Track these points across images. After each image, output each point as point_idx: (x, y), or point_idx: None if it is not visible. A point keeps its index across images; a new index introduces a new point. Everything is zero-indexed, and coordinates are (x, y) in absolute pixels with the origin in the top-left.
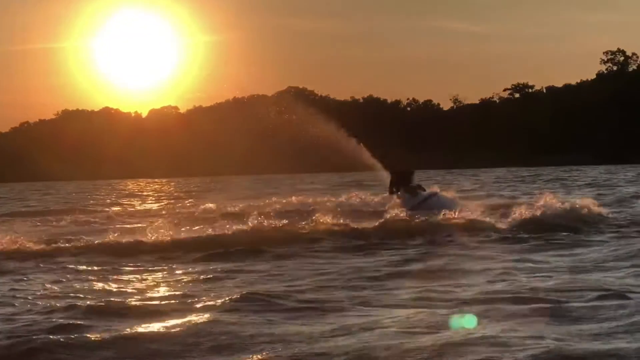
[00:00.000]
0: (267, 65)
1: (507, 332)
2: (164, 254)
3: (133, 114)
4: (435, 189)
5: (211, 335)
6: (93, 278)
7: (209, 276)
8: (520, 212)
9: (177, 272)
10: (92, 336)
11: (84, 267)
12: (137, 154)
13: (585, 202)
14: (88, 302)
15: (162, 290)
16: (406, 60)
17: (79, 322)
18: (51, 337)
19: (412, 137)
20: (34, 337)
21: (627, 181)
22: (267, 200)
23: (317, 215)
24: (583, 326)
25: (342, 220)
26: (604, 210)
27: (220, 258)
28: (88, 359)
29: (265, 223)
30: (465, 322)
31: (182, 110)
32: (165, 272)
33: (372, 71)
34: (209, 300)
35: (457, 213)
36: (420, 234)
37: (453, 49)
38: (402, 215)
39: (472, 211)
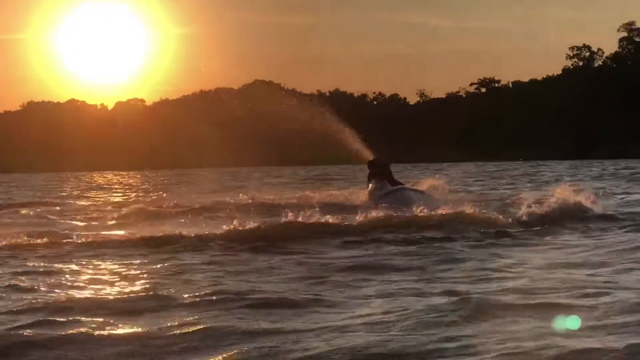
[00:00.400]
0: (234, 59)
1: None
2: (134, 249)
3: (99, 106)
4: (431, 183)
5: (184, 335)
6: (58, 274)
7: (181, 272)
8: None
9: (147, 267)
10: (56, 335)
11: (46, 263)
12: (104, 146)
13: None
14: (50, 300)
15: (130, 287)
16: (373, 54)
17: (41, 320)
18: (12, 334)
19: (379, 131)
20: None
21: (593, 177)
22: (241, 195)
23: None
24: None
25: (325, 215)
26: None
27: (192, 253)
28: None
29: (239, 217)
30: (570, 323)
31: (149, 102)
32: (133, 267)
33: (338, 65)
34: (181, 298)
35: (435, 209)
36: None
37: (420, 43)
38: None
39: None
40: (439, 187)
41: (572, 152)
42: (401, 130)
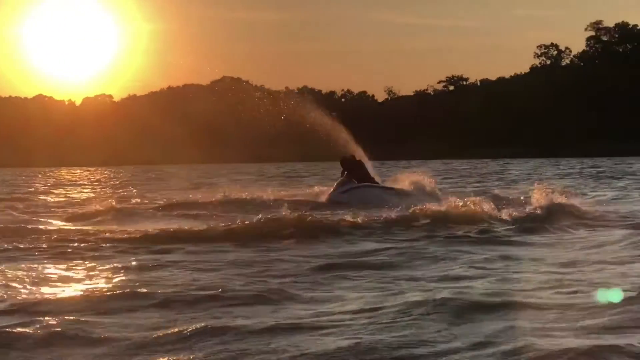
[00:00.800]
0: (203, 55)
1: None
2: (104, 246)
3: (67, 102)
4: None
5: (159, 334)
6: (27, 272)
7: (152, 270)
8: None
9: (119, 265)
10: (24, 335)
11: (14, 262)
12: (71, 142)
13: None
14: (19, 299)
15: (101, 285)
16: (341, 51)
17: (11, 320)
18: None
19: (347, 128)
20: None
21: (561, 176)
22: (213, 192)
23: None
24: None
25: (295, 213)
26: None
27: (164, 251)
28: None
29: (212, 215)
30: (611, 296)
31: (117, 98)
32: (105, 265)
33: (306, 62)
34: (154, 296)
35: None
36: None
37: (388, 41)
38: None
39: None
40: (427, 184)
41: (538, 150)
42: (369, 128)
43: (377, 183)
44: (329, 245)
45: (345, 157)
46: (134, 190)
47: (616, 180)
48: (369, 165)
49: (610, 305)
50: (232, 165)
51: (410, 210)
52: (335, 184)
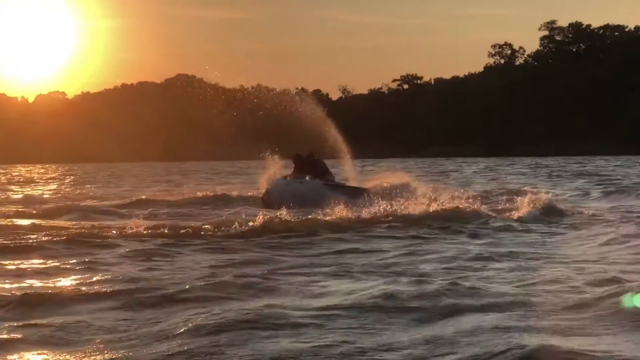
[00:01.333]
0: (158, 53)
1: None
2: (52, 244)
3: (19, 99)
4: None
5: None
6: None
7: (93, 267)
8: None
9: (63, 262)
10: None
11: None
12: (24, 139)
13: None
14: None
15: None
16: (296, 49)
17: None
18: None
19: (300, 127)
20: None
21: (519, 174)
22: (163, 190)
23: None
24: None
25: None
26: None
27: (111, 248)
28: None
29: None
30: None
31: (70, 96)
32: (46, 263)
33: (261, 60)
34: (86, 293)
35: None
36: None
37: (343, 40)
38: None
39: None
40: (410, 182)
41: (493, 149)
42: (323, 127)
43: (331, 182)
44: (282, 243)
45: (298, 155)
46: (92, 187)
47: (570, 180)
48: (354, 161)
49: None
50: (188, 164)
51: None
52: (274, 181)
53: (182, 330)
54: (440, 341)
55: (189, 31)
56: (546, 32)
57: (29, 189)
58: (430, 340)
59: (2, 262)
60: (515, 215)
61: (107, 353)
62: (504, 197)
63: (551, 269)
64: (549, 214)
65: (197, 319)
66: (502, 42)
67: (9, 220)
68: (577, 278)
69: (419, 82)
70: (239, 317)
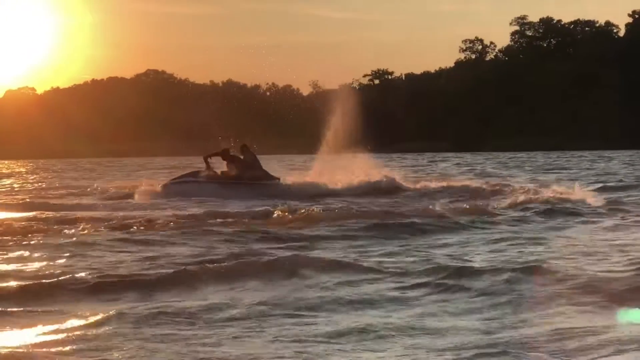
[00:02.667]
0: (127, 48)
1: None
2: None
3: None
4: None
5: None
6: None
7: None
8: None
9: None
10: None
11: None
12: None
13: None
14: None
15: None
16: (265, 45)
17: None
18: None
19: (272, 122)
20: None
21: (494, 168)
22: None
23: None
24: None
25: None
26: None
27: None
28: None
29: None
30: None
31: (40, 91)
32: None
33: (231, 55)
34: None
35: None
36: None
37: (313, 35)
38: None
39: None
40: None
41: (463, 144)
42: (294, 122)
43: (261, 175)
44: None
45: (225, 149)
46: (57, 183)
47: (544, 174)
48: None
49: None
50: (159, 159)
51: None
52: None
53: None
54: None
55: (159, 27)
56: (517, 27)
57: None
58: None
59: None
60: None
61: None
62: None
63: None
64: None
65: None
66: (472, 38)
67: None
68: None
69: (389, 77)
70: None
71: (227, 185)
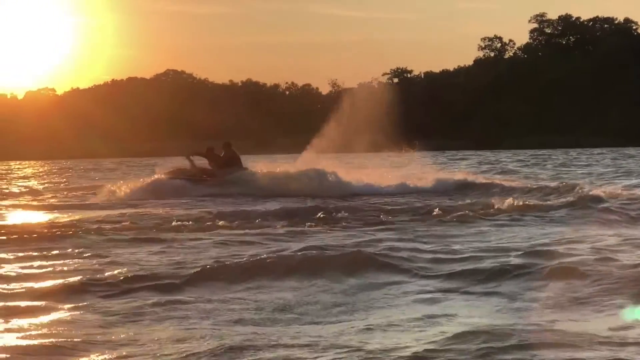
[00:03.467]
0: (147, 48)
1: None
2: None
3: (9, 96)
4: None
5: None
6: None
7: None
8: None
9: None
10: None
11: None
12: (13, 136)
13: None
14: None
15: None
16: (285, 44)
17: None
18: None
19: (291, 121)
20: None
21: (512, 168)
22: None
23: None
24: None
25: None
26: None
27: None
28: None
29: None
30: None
31: (59, 92)
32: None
33: (250, 55)
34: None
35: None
36: None
37: (332, 34)
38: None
39: None
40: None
41: (482, 142)
42: (313, 120)
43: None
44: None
45: (209, 148)
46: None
47: (568, 171)
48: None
49: None
50: (179, 159)
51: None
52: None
53: None
54: None
55: (179, 26)
56: (535, 25)
57: (22, 184)
58: None
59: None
60: None
61: None
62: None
63: None
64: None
65: None
66: (491, 35)
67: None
68: None
69: (408, 75)
70: None
71: (196, 182)
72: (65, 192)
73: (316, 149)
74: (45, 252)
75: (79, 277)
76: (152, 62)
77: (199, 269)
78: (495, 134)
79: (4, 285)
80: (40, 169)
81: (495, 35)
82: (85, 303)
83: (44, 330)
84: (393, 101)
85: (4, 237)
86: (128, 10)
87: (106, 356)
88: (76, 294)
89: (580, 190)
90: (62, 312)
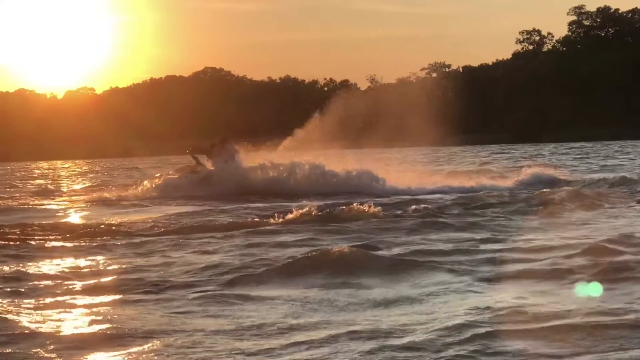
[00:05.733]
0: (184, 46)
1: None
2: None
3: (49, 96)
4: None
5: None
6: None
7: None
8: None
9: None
10: None
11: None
12: (53, 135)
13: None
14: None
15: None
16: (322, 40)
17: None
18: None
19: (330, 117)
20: None
21: (555, 160)
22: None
23: None
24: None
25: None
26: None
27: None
28: None
29: None
30: (591, 289)
31: (99, 91)
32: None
33: (288, 52)
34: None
35: None
36: None
37: (370, 29)
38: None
39: None
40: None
41: (523, 136)
42: (353, 116)
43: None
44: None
45: (212, 144)
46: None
47: (607, 162)
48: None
49: None
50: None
51: None
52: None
53: None
54: None
55: (217, 24)
56: (574, 17)
57: (72, 183)
58: None
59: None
60: None
61: None
62: None
63: None
64: None
65: None
66: (530, 29)
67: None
68: None
69: (446, 70)
70: None
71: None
72: (113, 189)
73: (359, 144)
74: (100, 250)
75: (129, 274)
76: (190, 61)
77: (253, 268)
78: (534, 128)
79: (62, 281)
80: (84, 168)
81: (533, 29)
82: (136, 298)
83: (104, 320)
84: (432, 96)
85: (61, 235)
86: (167, 9)
87: (162, 344)
88: (128, 290)
89: None
90: (118, 306)
